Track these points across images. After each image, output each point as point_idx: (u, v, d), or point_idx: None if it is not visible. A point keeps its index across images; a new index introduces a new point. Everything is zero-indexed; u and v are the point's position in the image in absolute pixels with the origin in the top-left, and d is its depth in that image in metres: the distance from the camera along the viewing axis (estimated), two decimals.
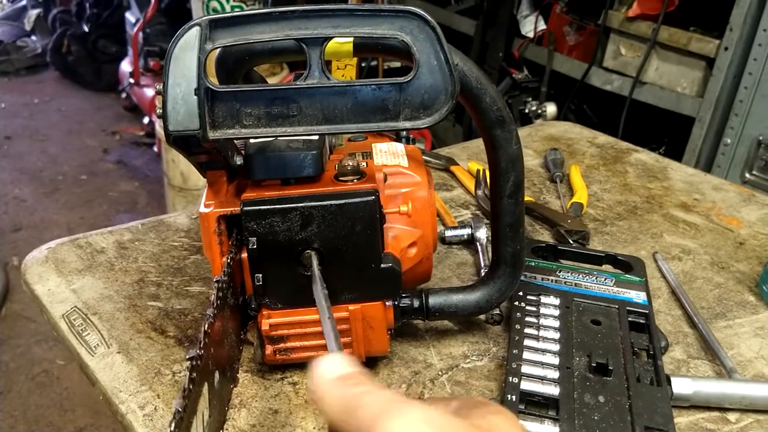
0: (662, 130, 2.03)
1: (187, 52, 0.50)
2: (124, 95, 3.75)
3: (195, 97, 0.50)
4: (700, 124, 1.78)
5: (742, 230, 0.97)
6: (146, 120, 3.46)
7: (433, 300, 0.66)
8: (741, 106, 1.67)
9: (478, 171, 0.98)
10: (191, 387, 0.45)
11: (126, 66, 3.67)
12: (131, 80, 3.51)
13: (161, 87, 0.50)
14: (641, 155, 1.20)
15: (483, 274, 0.77)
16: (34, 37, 4.76)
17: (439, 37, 0.52)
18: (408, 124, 0.54)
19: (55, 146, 3.51)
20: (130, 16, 3.67)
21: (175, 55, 0.50)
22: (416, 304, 0.66)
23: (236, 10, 3.21)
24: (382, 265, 0.59)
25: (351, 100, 0.52)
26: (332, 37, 0.52)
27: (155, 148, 3.20)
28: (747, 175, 1.69)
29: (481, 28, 2.43)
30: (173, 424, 0.41)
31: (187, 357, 0.46)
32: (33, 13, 4.88)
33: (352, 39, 0.63)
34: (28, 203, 3.01)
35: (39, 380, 2.07)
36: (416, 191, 0.65)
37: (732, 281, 0.84)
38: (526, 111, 2.23)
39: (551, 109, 2.20)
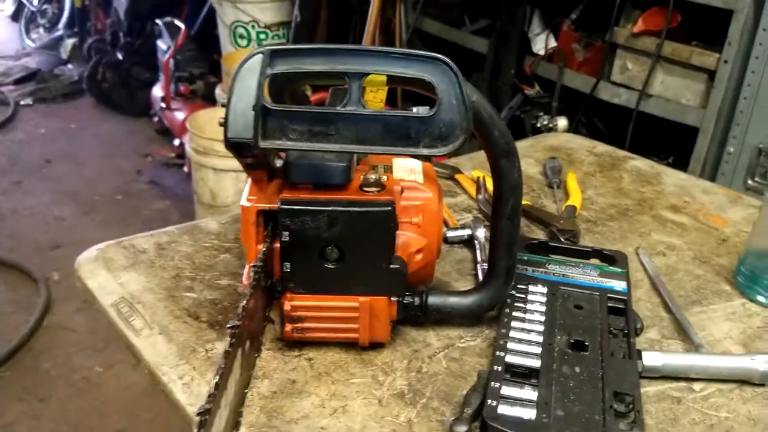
0: (669, 141, 2.10)
1: (250, 74, 0.61)
2: (155, 119, 3.92)
3: (252, 111, 0.61)
4: (704, 134, 1.85)
5: (726, 229, 1.04)
6: (177, 142, 3.61)
7: (432, 300, 0.76)
8: (742, 116, 1.74)
9: (478, 178, 1.07)
10: (230, 349, 0.55)
11: (157, 91, 3.84)
12: (162, 104, 3.68)
13: (226, 100, 0.62)
14: (637, 162, 1.28)
15: (478, 281, 0.86)
16: (70, 66, 4.99)
17: (459, 80, 0.62)
18: (426, 151, 0.64)
19: (92, 168, 3.68)
20: (161, 44, 3.84)
21: (240, 76, 0.61)
22: (417, 302, 0.75)
23: (261, 35, 3.30)
24: (392, 266, 0.69)
25: (381, 127, 0.63)
26: (370, 73, 0.62)
27: (185, 168, 3.34)
28: (749, 181, 1.75)
29: (494, 46, 2.53)
30: (218, 376, 0.52)
31: (228, 326, 0.57)
32: (69, 42, 5.11)
33: None
34: (67, 222, 3.17)
35: (78, 387, 2.19)
36: (428, 205, 0.74)
37: (711, 273, 0.92)
38: (538, 125, 2.31)
39: (562, 123, 2.28)
